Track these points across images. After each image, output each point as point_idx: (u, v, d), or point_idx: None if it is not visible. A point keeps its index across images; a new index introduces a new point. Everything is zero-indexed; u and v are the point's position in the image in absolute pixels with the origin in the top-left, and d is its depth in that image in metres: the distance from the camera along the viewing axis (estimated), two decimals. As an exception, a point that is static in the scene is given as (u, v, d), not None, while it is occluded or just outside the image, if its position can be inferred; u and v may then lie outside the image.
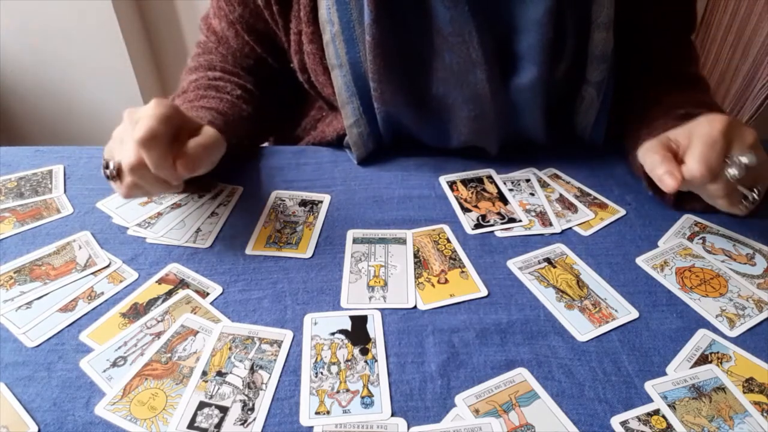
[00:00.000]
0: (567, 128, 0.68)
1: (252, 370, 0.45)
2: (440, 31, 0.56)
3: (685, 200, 0.60)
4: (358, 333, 0.48)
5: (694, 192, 0.55)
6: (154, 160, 0.48)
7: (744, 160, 0.49)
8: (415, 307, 0.50)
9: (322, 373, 0.45)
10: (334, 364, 0.46)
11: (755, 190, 0.52)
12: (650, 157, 0.52)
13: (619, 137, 0.67)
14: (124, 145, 0.50)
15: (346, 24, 0.58)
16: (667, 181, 0.49)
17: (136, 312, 0.50)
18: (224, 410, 0.42)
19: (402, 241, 0.57)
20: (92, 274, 0.53)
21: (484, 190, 0.64)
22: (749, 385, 0.44)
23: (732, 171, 0.49)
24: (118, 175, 0.52)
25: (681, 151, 0.52)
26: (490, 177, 0.65)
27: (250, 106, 0.69)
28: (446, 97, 0.61)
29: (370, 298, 0.51)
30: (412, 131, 0.67)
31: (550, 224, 0.59)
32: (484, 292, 0.52)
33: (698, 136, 0.50)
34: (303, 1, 0.60)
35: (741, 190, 0.52)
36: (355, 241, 0.57)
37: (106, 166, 0.52)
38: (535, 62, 0.58)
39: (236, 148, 0.62)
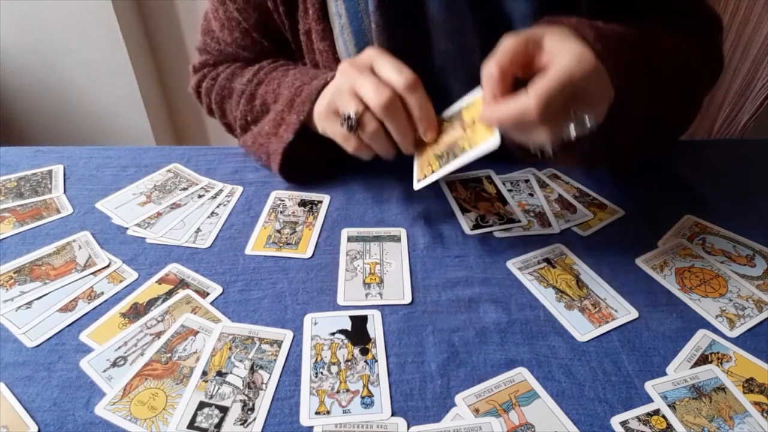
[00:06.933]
0: None
1: (252, 370, 0.45)
2: (434, 19, 0.57)
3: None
4: (358, 333, 0.48)
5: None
6: (419, 102, 0.50)
7: (588, 122, 0.43)
8: (412, 302, 0.50)
9: (322, 373, 0.45)
10: (334, 364, 0.46)
11: (586, 116, 0.44)
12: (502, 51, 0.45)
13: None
14: (366, 89, 0.50)
15: (354, 15, 0.58)
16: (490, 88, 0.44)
17: (136, 312, 0.50)
18: (224, 410, 0.42)
19: (396, 239, 0.57)
20: (92, 274, 0.53)
21: (483, 190, 0.64)
22: (749, 386, 0.44)
23: (571, 130, 0.43)
24: (358, 125, 0.51)
25: (535, 63, 0.45)
26: (489, 177, 0.65)
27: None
28: (445, 85, 0.61)
29: (367, 295, 0.51)
30: None
31: (549, 225, 0.59)
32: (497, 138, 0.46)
33: (558, 66, 0.42)
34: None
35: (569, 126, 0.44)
36: (349, 239, 0.57)
37: (347, 117, 0.51)
38: None
39: None
